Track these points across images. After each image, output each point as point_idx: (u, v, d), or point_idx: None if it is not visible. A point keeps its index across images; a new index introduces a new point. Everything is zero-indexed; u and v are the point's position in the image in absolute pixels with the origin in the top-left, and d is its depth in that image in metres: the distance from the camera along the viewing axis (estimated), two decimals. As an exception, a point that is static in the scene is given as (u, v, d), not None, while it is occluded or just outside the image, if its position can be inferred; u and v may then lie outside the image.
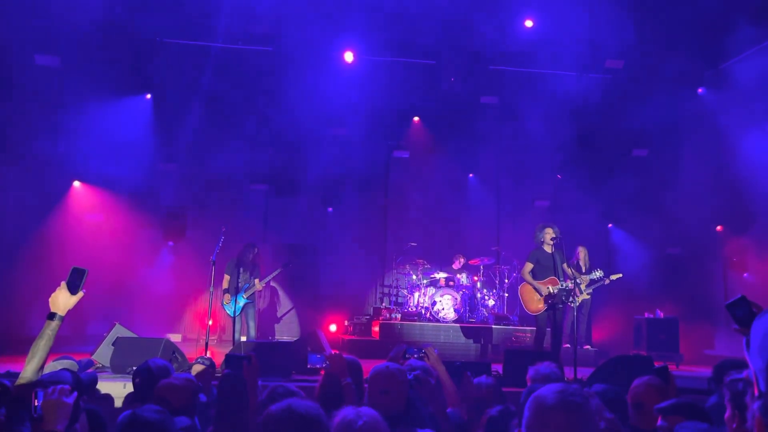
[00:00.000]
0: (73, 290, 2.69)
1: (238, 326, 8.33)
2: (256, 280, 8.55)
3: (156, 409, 2.31)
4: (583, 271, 9.62)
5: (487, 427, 2.97)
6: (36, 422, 2.11)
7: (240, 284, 8.36)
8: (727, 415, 1.86)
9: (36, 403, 2.11)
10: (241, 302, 8.39)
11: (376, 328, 10.51)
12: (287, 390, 2.79)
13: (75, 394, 2.16)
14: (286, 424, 1.69)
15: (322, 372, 3.48)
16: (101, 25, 9.66)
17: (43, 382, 2.48)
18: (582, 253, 10.06)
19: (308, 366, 6.68)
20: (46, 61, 9.76)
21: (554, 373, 3.82)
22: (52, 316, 2.66)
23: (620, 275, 9.21)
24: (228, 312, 8.44)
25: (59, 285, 2.70)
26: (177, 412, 2.62)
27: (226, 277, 8.58)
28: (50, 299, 2.68)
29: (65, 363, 4.65)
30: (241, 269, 8.39)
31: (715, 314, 11.38)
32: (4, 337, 8.86)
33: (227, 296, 8.46)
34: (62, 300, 2.68)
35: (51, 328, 2.65)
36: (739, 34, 9.73)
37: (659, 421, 2.59)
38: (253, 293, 8.56)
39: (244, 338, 8.20)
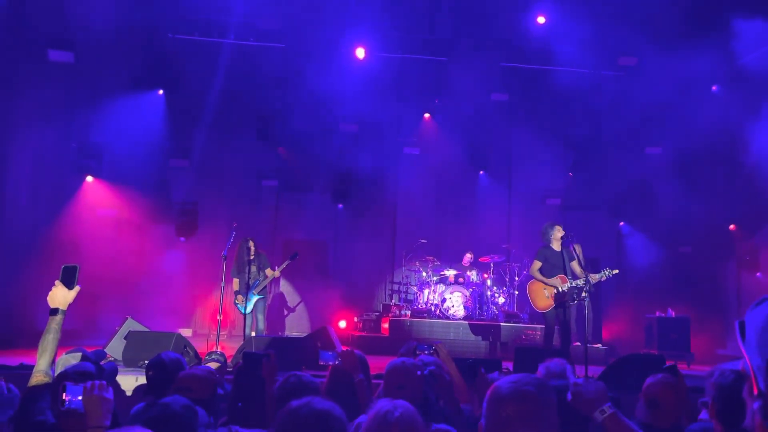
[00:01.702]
0: (69, 286, 2.75)
1: (249, 321, 8.30)
2: (268, 270, 8.40)
3: (183, 403, 2.31)
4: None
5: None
6: (63, 416, 2.10)
7: (250, 281, 8.29)
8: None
9: (64, 397, 2.10)
10: (253, 299, 8.33)
11: (386, 325, 10.53)
12: (299, 379, 2.79)
13: (111, 389, 2.17)
14: (305, 420, 1.69)
15: (330, 368, 3.46)
16: (114, 22, 9.73)
17: (68, 375, 2.49)
18: (577, 250, 9.92)
19: (320, 363, 6.68)
20: (59, 57, 9.81)
21: (565, 371, 3.79)
22: (54, 311, 2.73)
23: (616, 271, 9.13)
24: (242, 311, 8.36)
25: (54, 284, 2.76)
26: (197, 402, 2.63)
27: (235, 280, 8.40)
28: (48, 298, 2.75)
29: (77, 356, 4.69)
30: (249, 267, 8.28)
31: (727, 314, 11.30)
32: (17, 330, 8.95)
33: (239, 297, 8.31)
34: (61, 296, 2.75)
35: (56, 322, 2.72)
36: (754, 31, 9.64)
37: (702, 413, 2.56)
38: (265, 288, 8.47)
39: (254, 334, 8.20)
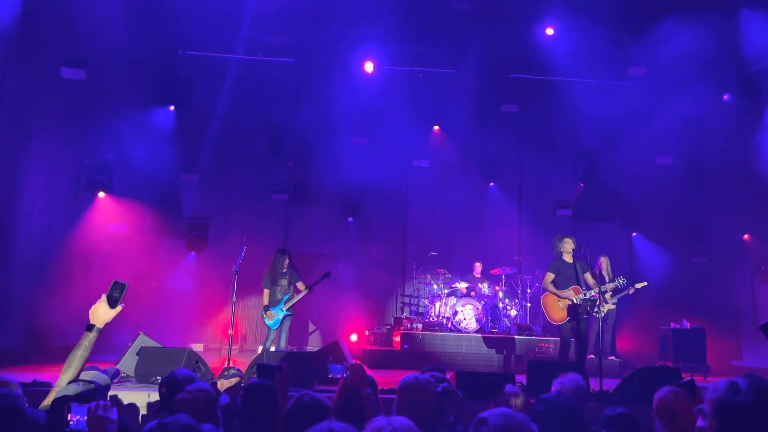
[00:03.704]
0: (112, 304, 2.74)
1: (271, 336, 8.18)
2: (300, 284, 8.23)
3: (184, 423, 2.29)
4: (607, 281, 9.45)
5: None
6: None
7: (279, 296, 8.21)
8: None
9: (69, 418, 2.11)
10: (281, 315, 8.17)
11: (397, 338, 10.47)
12: (313, 398, 2.77)
13: (115, 409, 2.17)
14: None
15: (341, 382, 3.43)
16: (125, 39, 9.83)
17: (70, 397, 2.48)
18: (605, 263, 9.84)
19: (329, 376, 6.65)
20: (72, 74, 9.93)
21: (580, 387, 3.75)
22: (90, 327, 2.71)
23: (645, 283, 9.11)
24: (269, 326, 8.20)
25: (100, 298, 2.77)
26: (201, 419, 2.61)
27: (266, 292, 8.25)
28: (90, 311, 2.74)
29: (91, 374, 4.67)
30: (279, 280, 8.19)
31: (742, 325, 11.16)
32: (30, 347, 8.98)
33: (269, 313, 8.13)
34: (102, 313, 2.74)
35: (88, 339, 2.71)
36: (765, 40, 9.60)
37: (699, 422, 2.51)
38: (293, 306, 8.23)
39: (273, 348, 8.15)
